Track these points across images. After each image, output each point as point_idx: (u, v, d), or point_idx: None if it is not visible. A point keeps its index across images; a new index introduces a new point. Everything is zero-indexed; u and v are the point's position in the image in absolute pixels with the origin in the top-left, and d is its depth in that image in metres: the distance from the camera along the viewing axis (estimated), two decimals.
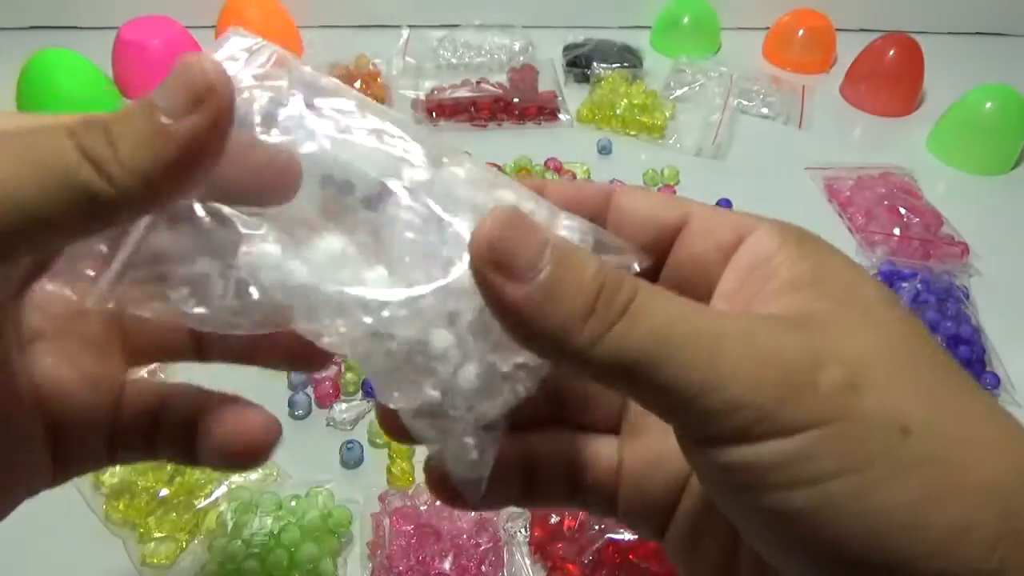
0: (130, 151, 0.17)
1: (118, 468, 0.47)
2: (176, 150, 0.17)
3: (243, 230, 0.20)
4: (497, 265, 0.17)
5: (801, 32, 0.93)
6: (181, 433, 0.24)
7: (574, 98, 0.85)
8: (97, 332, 0.24)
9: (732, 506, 0.18)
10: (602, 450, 0.25)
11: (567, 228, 0.20)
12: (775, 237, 0.21)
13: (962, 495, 0.16)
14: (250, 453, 0.23)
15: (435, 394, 0.19)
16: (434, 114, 0.81)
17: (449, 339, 0.19)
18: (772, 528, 0.17)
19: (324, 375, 0.54)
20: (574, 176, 0.74)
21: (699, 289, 0.22)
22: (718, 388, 0.17)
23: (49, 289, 0.21)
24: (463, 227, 0.19)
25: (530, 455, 0.24)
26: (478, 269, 0.18)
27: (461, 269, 0.19)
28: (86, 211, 0.17)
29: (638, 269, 0.21)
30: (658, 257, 0.23)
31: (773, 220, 0.22)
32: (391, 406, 0.20)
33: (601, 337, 0.17)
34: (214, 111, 0.18)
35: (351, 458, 0.50)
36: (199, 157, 0.18)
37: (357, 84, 0.84)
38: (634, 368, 0.17)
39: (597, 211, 0.23)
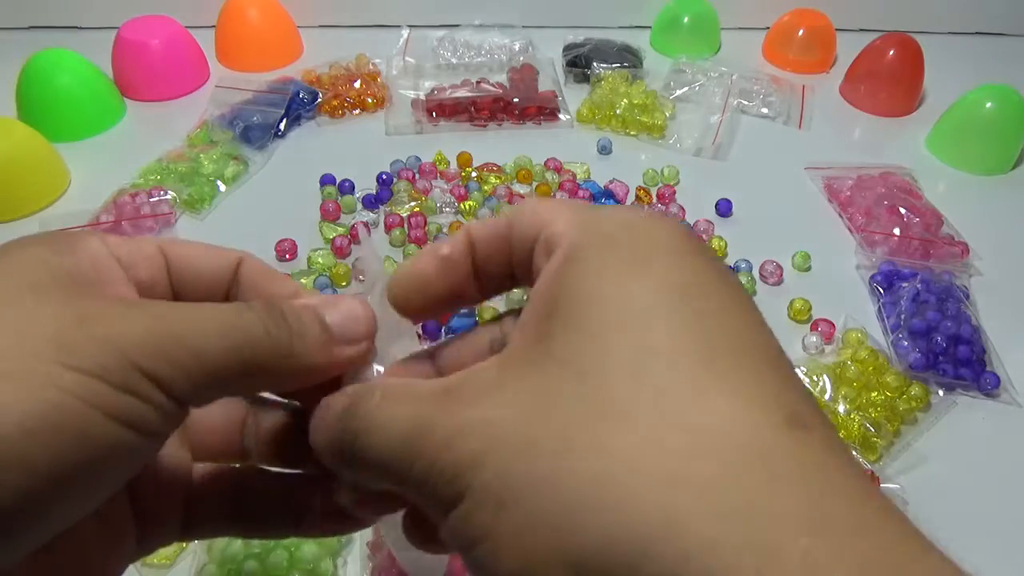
0: (301, 347, 0.22)
1: None
2: (331, 364, 0.23)
3: None
4: None
5: (801, 32, 0.93)
6: (260, 512, 0.27)
7: (574, 98, 0.85)
8: None
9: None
10: None
11: None
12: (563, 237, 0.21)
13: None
14: (359, 522, 0.27)
15: None
16: (434, 114, 0.81)
17: None
18: None
19: None
20: (574, 176, 0.74)
21: None
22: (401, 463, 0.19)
23: None
24: None
25: None
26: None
27: None
28: (251, 374, 0.21)
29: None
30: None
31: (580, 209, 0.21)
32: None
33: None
34: (367, 350, 0.23)
35: None
36: (342, 369, 0.23)
37: (357, 84, 0.84)
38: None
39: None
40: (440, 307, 0.24)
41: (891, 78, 0.86)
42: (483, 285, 0.24)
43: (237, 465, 0.27)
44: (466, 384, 0.19)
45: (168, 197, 0.69)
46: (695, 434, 0.16)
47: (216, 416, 0.27)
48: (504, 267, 0.23)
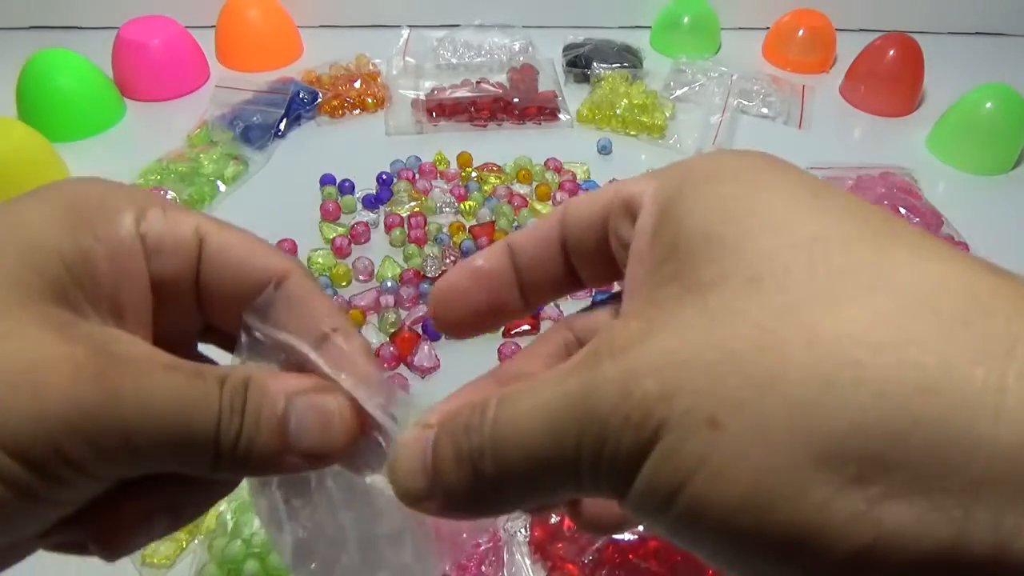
0: (249, 451, 0.19)
1: None
2: (282, 468, 0.20)
3: None
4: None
5: (801, 32, 0.93)
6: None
7: (574, 98, 0.85)
8: None
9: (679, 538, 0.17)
10: None
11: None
12: (646, 202, 0.19)
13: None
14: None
15: None
16: (434, 114, 0.81)
17: None
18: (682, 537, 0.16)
19: None
20: (574, 176, 0.74)
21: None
22: (567, 459, 0.17)
23: None
24: None
25: None
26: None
27: None
28: (178, 464, 0.19)
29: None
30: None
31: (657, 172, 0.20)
32: None
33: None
34: (330, 460, 0.21)
35: None
36: (291, 473, 0.21)
37: (357, 84, 0.84)
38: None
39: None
40: (483, 322, 0.23)
41: (891, 78, 0.86)
42: (529, 295, 0.22)
43: None
44: (606, 346, 0.16)
45: (168, 197, 0.69)
46: (910, 293, 0.15)
47: None
48: (553, 272, 0.22)
